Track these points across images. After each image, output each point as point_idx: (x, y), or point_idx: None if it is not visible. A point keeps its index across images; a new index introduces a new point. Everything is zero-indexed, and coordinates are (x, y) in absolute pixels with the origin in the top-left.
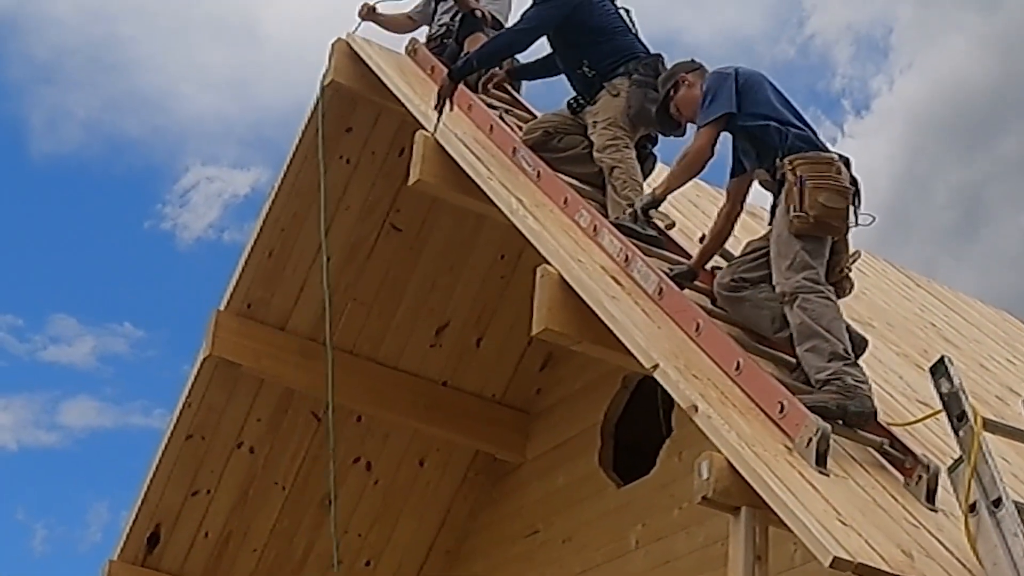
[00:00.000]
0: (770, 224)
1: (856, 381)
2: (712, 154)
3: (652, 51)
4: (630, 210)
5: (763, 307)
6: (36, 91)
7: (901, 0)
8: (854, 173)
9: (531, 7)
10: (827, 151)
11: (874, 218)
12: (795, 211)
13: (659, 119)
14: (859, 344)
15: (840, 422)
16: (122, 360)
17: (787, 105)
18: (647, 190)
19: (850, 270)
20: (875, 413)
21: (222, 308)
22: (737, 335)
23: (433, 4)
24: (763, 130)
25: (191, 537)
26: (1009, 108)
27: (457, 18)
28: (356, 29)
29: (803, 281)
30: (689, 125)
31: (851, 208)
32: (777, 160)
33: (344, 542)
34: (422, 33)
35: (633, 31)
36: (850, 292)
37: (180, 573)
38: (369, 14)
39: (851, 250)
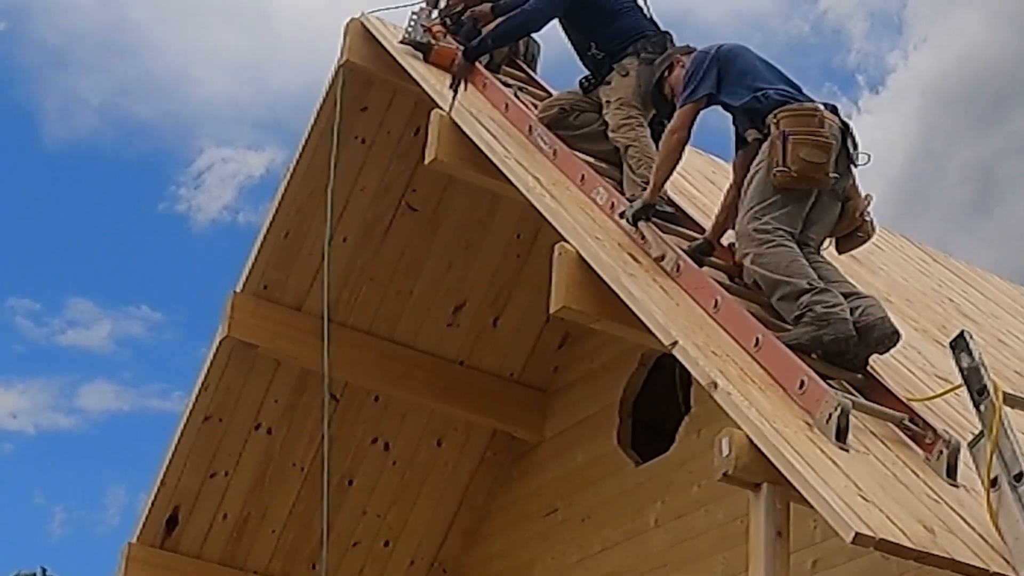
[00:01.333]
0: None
1: (827, 308)
2: (688, 135)
3: (662, 29)
4: (621, 214)
5: None
6: (49, 77)
7: None
8: (843, 118)
9: None
10: (811, 101)
11: (869, 157)
12: (778, 165)
13: (653, 100)
14: (890, 337)
15: (818, 354)
16: (139, 343)
17: (772, 70)
18: None
19: (868, 213)
20: (853, 337)
21: (238, 290)
22: (756, 311)
23: None
24: (752, 101)
25: (209, 519)
26: (1022, 84)
27: None
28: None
29: (753, 234)
30: None
31: (834, 159)
32: (767, 119)
33: (363, 523)
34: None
35: (642, 9)
36: (873, 233)
37: (199, 555)
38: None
39: (863, 193)
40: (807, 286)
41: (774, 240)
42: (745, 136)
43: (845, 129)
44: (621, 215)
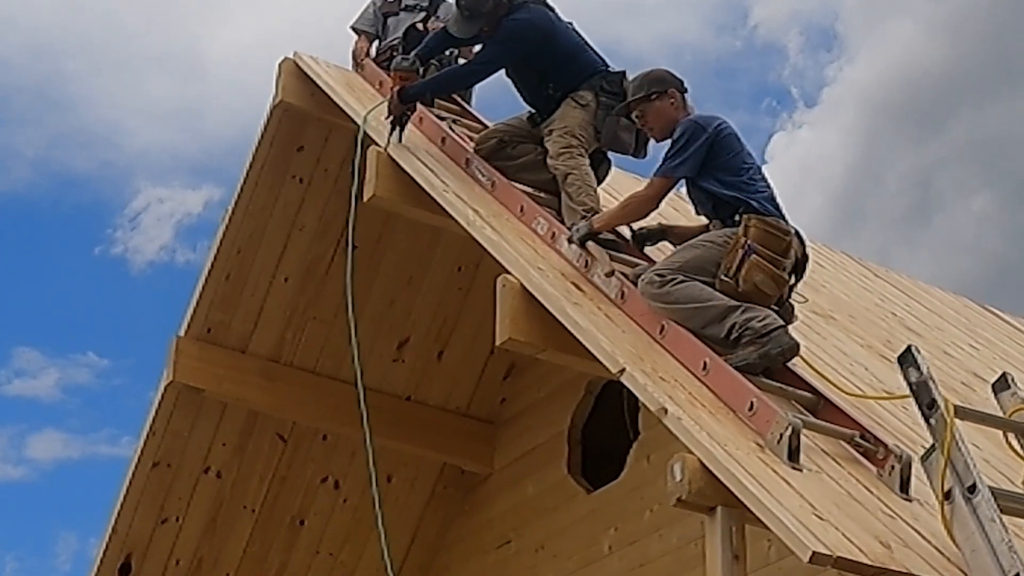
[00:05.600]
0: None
1: (762, 323)
2: (657, 207)
3: (608, 63)
4: (569, 238)
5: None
6: None
7: None
8: (807, 250)
9: (488, 45)
10: (786, 221)
11: (806, 299)
12: (727, 274)
13: (619, 110)
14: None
15: (765, 372)
16: (87, 390)
17: (755, 165)
18: (601, 196)
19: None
20: (796, 345)
21: (182, 334)
22: None
23: (383, 18)
24: (730, 198)
25: (163, 565)
26: (959, 92)
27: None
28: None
29: (654, 278)
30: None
31: (783, 293)
32: (737, 215)
33: (316, 563)
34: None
35: (592, 47)
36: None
37: None
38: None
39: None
40: (731, 304)
41: (676, 278)
42: (698, 211)
43: (801, 261)
44: (569, 240)
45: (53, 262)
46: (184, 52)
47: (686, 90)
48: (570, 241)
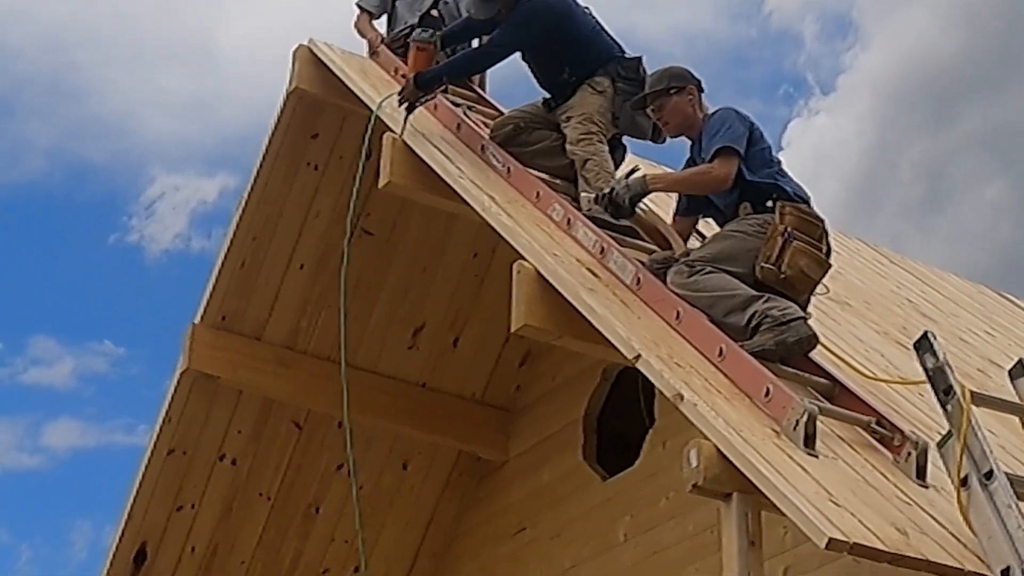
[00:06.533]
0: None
1: (782, 311)
2: (726, 185)
3: (624, 48)
4: (607, 190)
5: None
6: None
7: None
8: (830, 240)
9: (503, 27)
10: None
11: (827, 290)
12: (768, 261)
13: (635, 103)
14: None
15: (783, 359)
16: (103, 379)
17: (780, 161)
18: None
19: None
20: (815, 336)
21: (197, 321)
22: None
23: (391, 2)
24: (763, 184)
25: (178, 553)
26: (973, 81)
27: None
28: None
29: (683, 268)
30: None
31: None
32: (769, 201)
33: (331, 550)
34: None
35: (607, 31)
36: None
37: None
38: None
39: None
40: (754, 295)
41: (704, 268)
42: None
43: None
44: (598, 198)
45: (68, 251)
46: (197, 43)
47: (703, 90)
48: (611, 190)
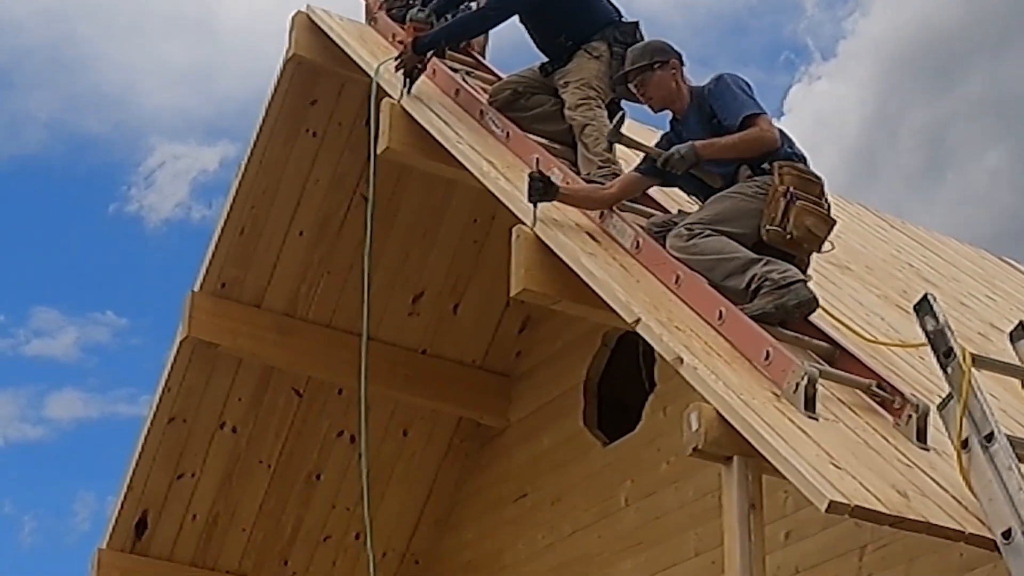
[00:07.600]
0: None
1: (781, 274)
2: (773, 143)
3: (621, 12)
4: (661, 160)
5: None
6: None
7: None
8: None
9: None
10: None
11: (833, 246)
12: (773, 223)
13: (618, 78)
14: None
15: (783, 323)
16: (105, 350)
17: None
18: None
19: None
20: (815, 299)
21: (196, 289)
22: None
23: None
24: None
25: (179, 521)
26: (974, 47)
27: None
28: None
29: (682, 231)
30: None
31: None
32: (766, 163)
33: (332, 517)
34: None
35: None
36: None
37: (170, 558)
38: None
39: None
40: (753, 258)
41: (703, 231)
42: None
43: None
44: (664, 162)
45: (69, 222)
46: (196, 13)
47: (684, 63)
48: (665, 164)
